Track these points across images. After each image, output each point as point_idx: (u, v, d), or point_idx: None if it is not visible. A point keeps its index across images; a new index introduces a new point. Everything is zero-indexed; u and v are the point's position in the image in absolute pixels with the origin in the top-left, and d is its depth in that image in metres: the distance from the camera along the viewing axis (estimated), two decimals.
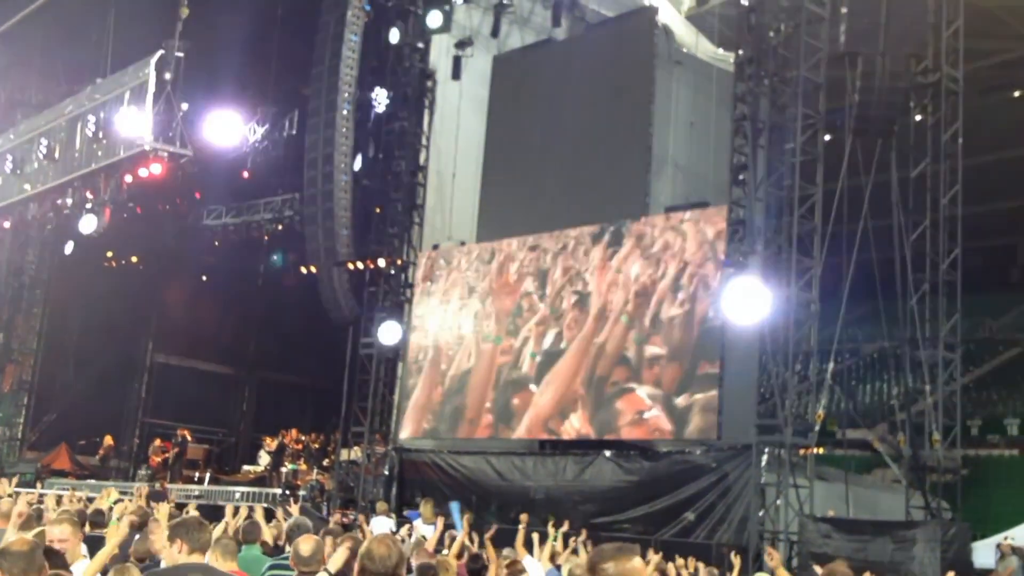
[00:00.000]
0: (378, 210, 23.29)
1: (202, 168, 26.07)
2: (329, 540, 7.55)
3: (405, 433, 21.91)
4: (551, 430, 19.60)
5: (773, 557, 11.08)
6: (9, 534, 6.56)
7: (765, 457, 16.56)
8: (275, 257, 30.42)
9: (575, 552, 11.56)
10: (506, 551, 10.28)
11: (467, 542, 10.54)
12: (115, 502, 13.29)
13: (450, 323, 21.74)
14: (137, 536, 8.16)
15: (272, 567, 7.29)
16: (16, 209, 27.95)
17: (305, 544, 6.14)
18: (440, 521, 12.29)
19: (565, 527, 12.63)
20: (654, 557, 11.22)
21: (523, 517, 12.53)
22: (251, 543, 8.25)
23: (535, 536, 11.35)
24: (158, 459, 28.75)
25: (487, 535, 10.56)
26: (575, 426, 19.15)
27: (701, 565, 11.83)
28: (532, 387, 19.93)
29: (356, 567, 4.47)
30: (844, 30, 16.99)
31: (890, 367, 26.94)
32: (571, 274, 19.92)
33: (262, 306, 33.12)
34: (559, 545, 12.00)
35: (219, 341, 33.70)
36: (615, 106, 21.52)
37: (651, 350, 18.24)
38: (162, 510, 8.76)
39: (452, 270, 22.04)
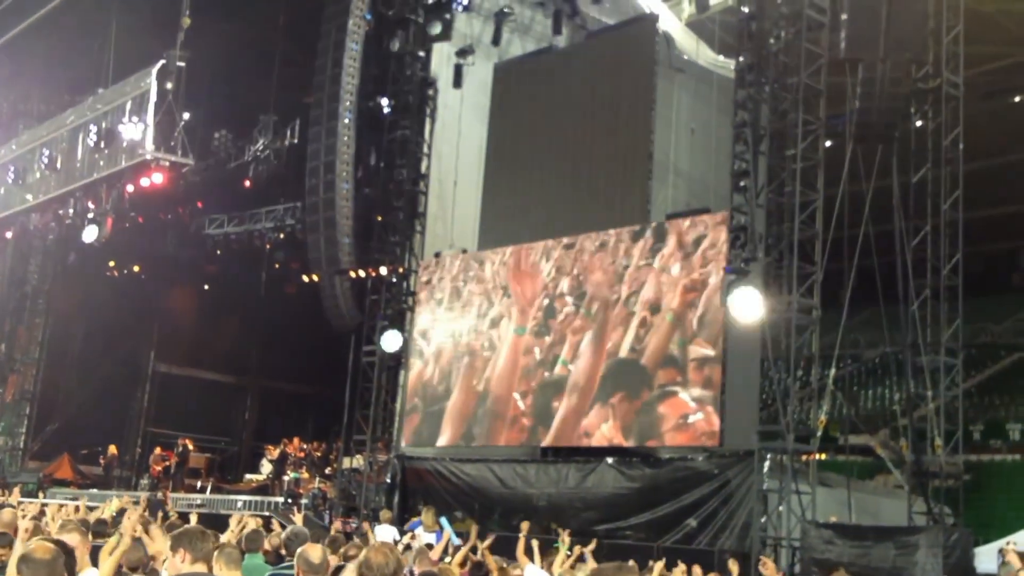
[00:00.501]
0: (380, 218, 23.30)
1: (204, 177, 26.13)
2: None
3: (443, 440, 21.25)
4: (585, 435, 18.96)
5: (767, 566, 11.07)
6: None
7: (767, 463, 16.55)
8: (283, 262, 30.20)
9: (582, 559, 11.51)
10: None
11: (482, 551, 10.51)
12: (118, 511, 13.29)
13: (475, 327, 21.29)
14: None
15: None
16: (18, 219, 28.04)
17: (314, 552, 6.15)
18: (446, 533, 12.33)
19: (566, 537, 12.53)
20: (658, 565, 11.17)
21: (524, 525, 12.49)
22: (254, 552, 8.25)
23: (535, 543, 11.32)
24: (159, 468, 28.73)
25: (484, 544, 10.54)
26: (606, 434, 18.60)
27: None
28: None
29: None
30: (844, 36, 16.98)
31: (892, 372, 26.97)
32: (610, 273, 19.36)
33: (264, 315, 33.08)
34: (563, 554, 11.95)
35: (221, 350, 33.71)
36: (616, 113, 21.53)
37: (700, 351, 17.64)
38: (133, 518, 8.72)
39: (469, 273, 21.71)
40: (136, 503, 16.93)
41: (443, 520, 14.39)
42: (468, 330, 21.49)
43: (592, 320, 19.43)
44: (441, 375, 21.65)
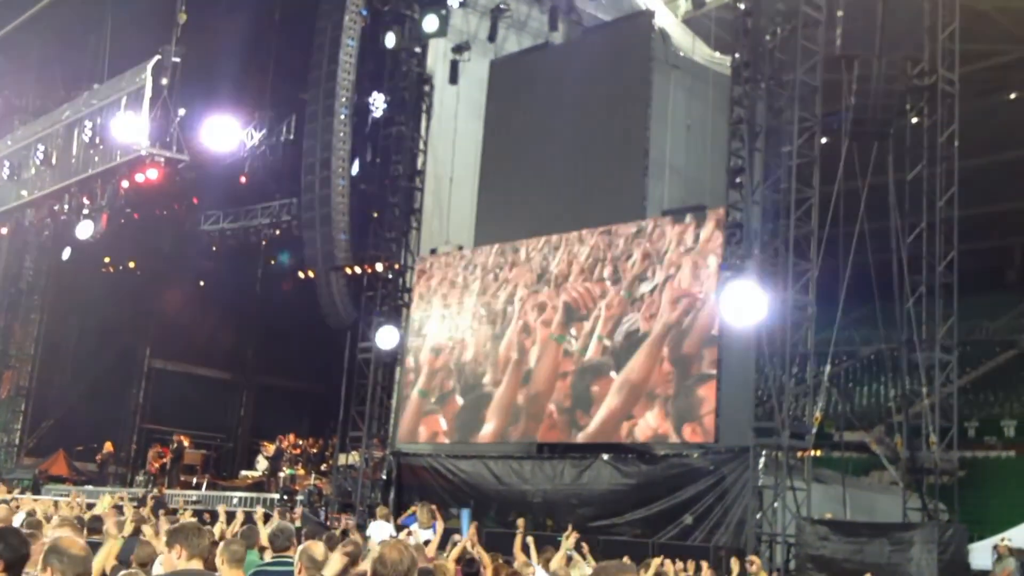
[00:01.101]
0: (376, 215, 23.31)
1: (199, 173, 26.08)
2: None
3: (487, 431, 20.60)
4: (628, 417, 18.41)
5: (754, 563, 11.11)
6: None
7: (762, 460, 16.57)
8: (280, 258, 30.08)
9: (575, 555, 11.50)
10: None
11: (480, 551, 10.51)
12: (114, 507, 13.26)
13: (520, 323, 20.75)
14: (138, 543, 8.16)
15: (256, 573, 7.17)
16: (13, 215, 27.95)
17: (316, 548, 6.14)
18: (440, 525, 12.29)
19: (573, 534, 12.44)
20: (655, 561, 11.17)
21: (520, 522, 12.46)
22: (249, 548, 8.23)
23: (530, 540, 11.33)
24: (156, 464, 28.72)
25: (467, 539, 10.51)
26: (651, 424, 18.08)
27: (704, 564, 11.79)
28: (612, 374, 18.86)
29: (368, 572, 4.50)
30: (840, 33, 17.01)
31: (887, 369, 26.91)
32: (650, 259, 18.99)
33: (260, 311, 33.11)
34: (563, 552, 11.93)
35: (217, 346, 33.68)
36: (612, 110, 21.52)
37: None
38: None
39: (502, 260, 21.35)
40: (134, 501, 16.93)
41: (464, 512, 14.17)
42: (509, 319, 20.95)
43: (632, 305, 18.98)
44: (477, 364, 21.17)
